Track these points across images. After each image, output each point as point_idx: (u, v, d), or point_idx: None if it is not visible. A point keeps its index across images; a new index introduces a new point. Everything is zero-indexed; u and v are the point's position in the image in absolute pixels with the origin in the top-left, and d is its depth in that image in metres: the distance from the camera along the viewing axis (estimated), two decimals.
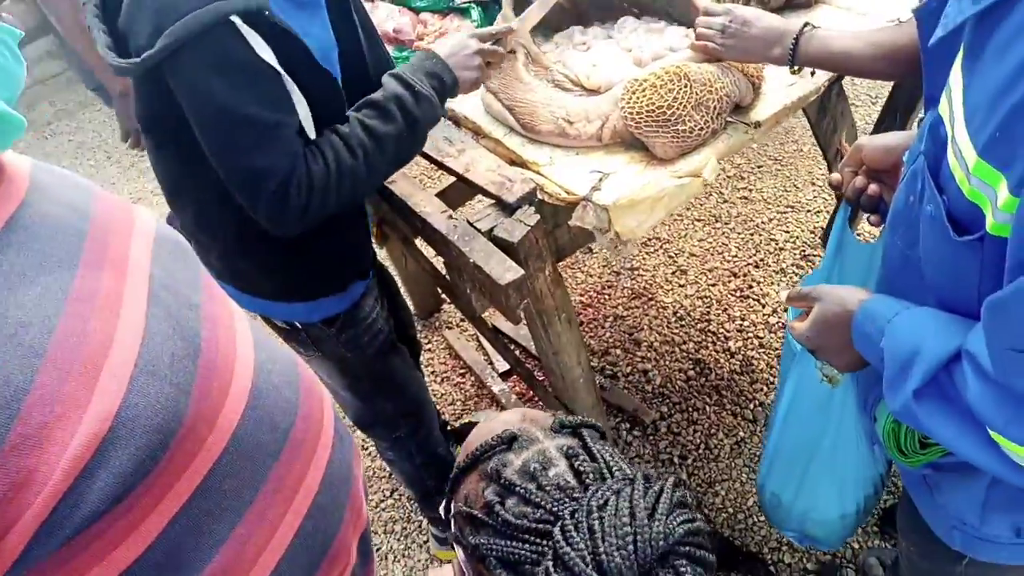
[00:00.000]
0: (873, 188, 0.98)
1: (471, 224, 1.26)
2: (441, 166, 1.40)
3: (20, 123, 0.56)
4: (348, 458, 0.82)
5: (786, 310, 2.18)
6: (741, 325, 2.21)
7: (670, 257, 2.46)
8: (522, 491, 0.61)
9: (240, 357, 0.69)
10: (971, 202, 0.64)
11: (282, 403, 0.72)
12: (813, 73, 1.38)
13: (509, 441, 0.66)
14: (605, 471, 0.62)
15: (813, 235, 2.41)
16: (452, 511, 0.69)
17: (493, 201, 1.30)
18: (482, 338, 2.30)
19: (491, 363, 2.25)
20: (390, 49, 1.61)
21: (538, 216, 1.25)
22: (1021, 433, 0.63)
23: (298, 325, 1.33)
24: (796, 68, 1.22)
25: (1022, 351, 0.60)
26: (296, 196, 1.03)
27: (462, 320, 2.41)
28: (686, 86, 1.25)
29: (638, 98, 1.25)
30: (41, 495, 0.51)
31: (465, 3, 1.65)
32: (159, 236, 0.70)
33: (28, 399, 0.52)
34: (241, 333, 0.72)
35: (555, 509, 0.59)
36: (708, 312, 2.28)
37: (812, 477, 1.29)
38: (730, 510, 1.84)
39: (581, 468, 0.62)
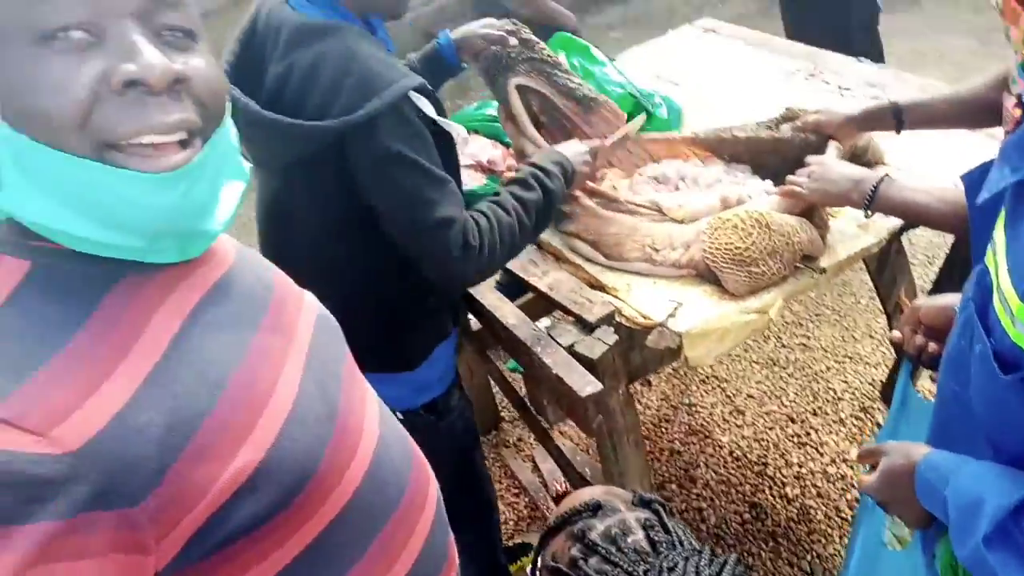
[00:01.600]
0: (933, 346, 1.05)
1: (553, 337, 1.35)
2: (527, 284, 1.51)
3: (230, 223, 0.67)
4: (445, 538, 0.87)
5: (851, 466, 2.16)
6: (799, 472, 2.19)
7: (728, 396, 2.49)
8: (603, 551, 0.69)
9: (366, 427, 0.77)
10: (1016, 344, 0.71)
11: (395, 474, 0.79)
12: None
13: (594, 508, 0.74)
14: (676, 541, 0.72)
15: (872, 387, 2.42)
16: (539, 565, 0.74)
17: (574, 320, 1.39)
18: (538, 459, 2.33)
19: (545, 485, 2.25)
20: (482, 177, 1.78)
21: (616, 336, 1.33)
22: None
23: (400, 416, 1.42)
24: (870, 213, 1.31)
25: None
26: (474, 242, 1.19)
27: (519, 440, 2.45)
28: (766, 233, 1.35)
29: (719, 235, 1.35)
30: (202, 503, 0.59)
31: None
32: (320, 315, 0.81)
33: (207, 421, 0.60)
34: (370, 407, 0.80)
35: (631, 570, 0.67)
36: (765, 456, 2.27)
37: None
38: None
39: (655, 537, 0.72)
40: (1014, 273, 0.71)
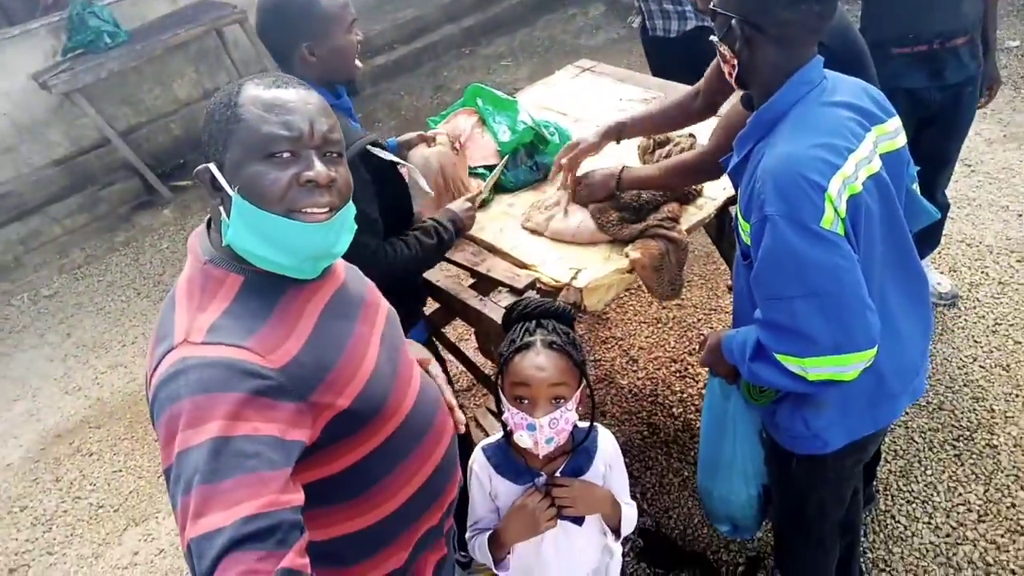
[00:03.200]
0: None
1: (495, 302, 1.95)
2: (471, 270, 2.11)
3: (341, 252, 1.21)
4: (455, 455, 1.43)
5: None
6: (681, 397, 2.88)
7: (623, 350, 3.17)
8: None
9: (412, 383, 1.33)
10: (744, 242, 1.40)
11: (428, 411, 1.35)
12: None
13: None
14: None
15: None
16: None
17: (508, 288, 2.00)
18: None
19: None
20: None
21: (537, 295, 1.95)
22: (783, 348, 1.34)
23: None
24: (620, 191, 2.04)
25: (774, 297, 1.33)
26: (382, 258, 1.79)
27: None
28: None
29: (642, 260, 1.99)
30: (329, 410, 1.13)
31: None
32: (389, 313, 1.37)
33: (334, 367, 1.15)
34: (415, 369, 1.38)
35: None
36: (655, 389, 2.95)
37: (724, 468, 1.91)
38: (681, 527, 2.42)
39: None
40: (740, 204, 1.42)
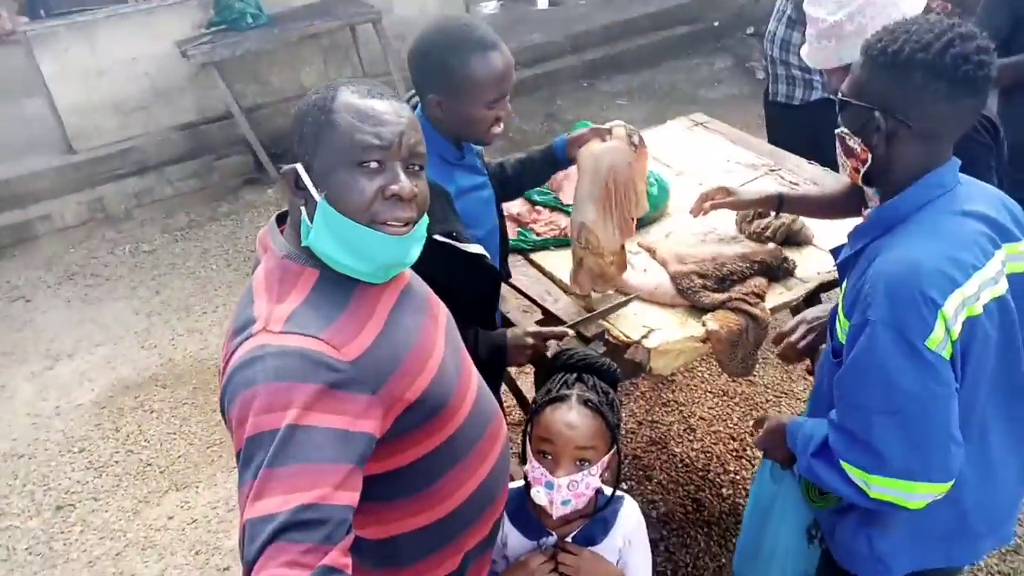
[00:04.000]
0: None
1: (558, 343, 1.90)
2: (541, 306, 2.06)
3: (413, 261, 1.21)
4: (509, 456, 1.43)
5: None
6: (734, 478, 2.74)
7: (683, 417, 3.04)
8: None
9: (472, 381, 1.34)
10: (840, 341, 1.31)
11: (486, 410, 1.36)
12: None
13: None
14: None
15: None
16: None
17: (576, 334, 1.94)
18: None
19: None
20: (514, 227, 2.34)
21: (604, 348, 1.88)
22: (850, 457, 1.23)
23: None
24: None
25: (854, 406, 1.23)
26: None
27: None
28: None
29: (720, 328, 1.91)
30: (399, 403, 1.14)
31: (567, 205, 2.39)
32: (448, 315, 1.38)
33: (404, 360, 1.16)
34: (474, 369, 1.39)
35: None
36: (708, 464, 2.82)
37: (763, 559, 1.78)
38: None
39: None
40: (844, 300, 1.32)
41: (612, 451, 1.42)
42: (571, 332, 1.84)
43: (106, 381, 3.68)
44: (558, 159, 1.99)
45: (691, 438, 2.95)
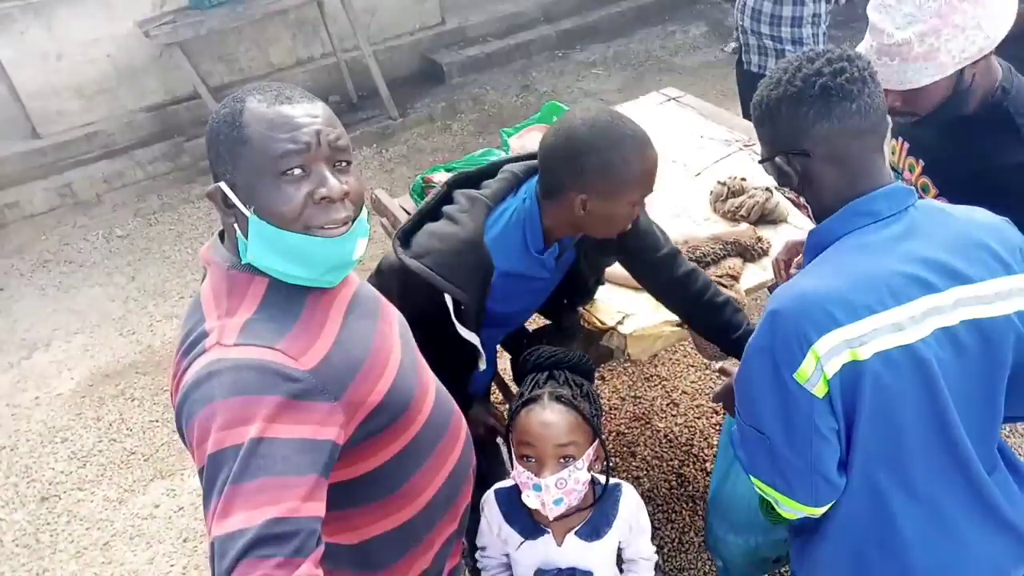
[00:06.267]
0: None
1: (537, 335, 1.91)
2: None
3: (360, 261, 1.19)
4: (471, 456, 1.43)
5: None
6: (717, 452, 2.78)
7: (666, 392, 3.08)
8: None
9: (430, 385, 1.34)
10: None
11: (445, 412, 1.36)
12: None
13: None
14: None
15: None
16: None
17: (553, 325, 1.95)
18: None
19: None
20: None
21: (582, 334, 1.89)
22: (738, 449, 1.25)
23: None
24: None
25: (739, 409, 1.24)
26: None
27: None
28: None
29: None
30: (361, 409, 1.14)
31: None
32: (400, 318, 1.36)
33: (363, 365, 1.15)
34: (430, 372, 1.37)
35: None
36: (692, 439, 2.86)
37: (723, 510, 1.83)
38: None
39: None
40: None
41: (595, 442, 1.42)
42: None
43: (85, 369, 3.65)
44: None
45: (674, 413, 2.98)
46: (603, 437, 1.43)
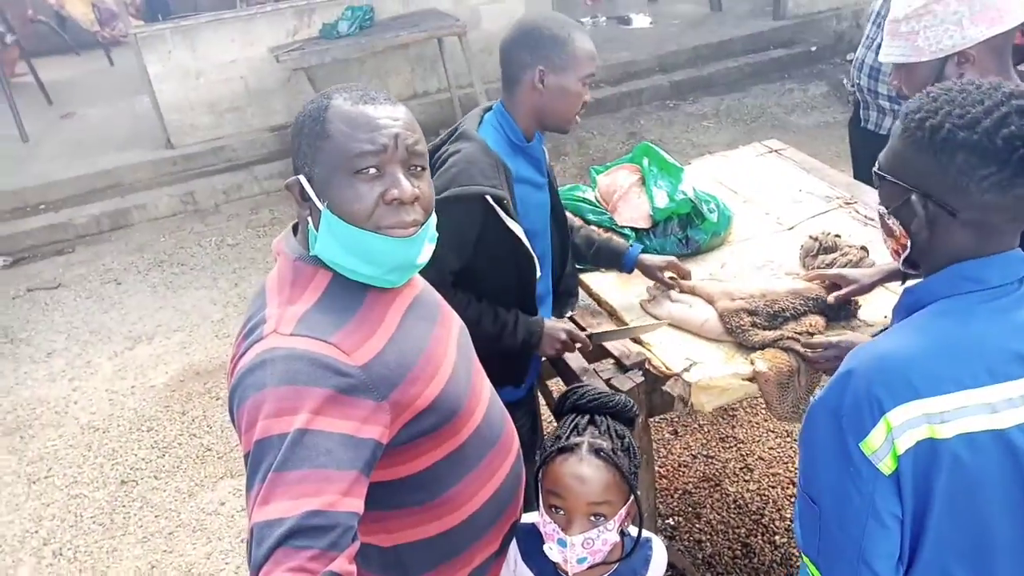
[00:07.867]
0: None
1: (596, 372, 1.84)
2: (579, 325, 2.01)
3: (424, 264, 1.20)
4: (521, 470, 1.40)
5: None
6: (789, 526, 2.59)
7: (741, 455, 2.91)
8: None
9: (483, 392, 1.32)
10: None
11: (497, 422, 1.33)
12: None
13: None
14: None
15: None
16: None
17: (614, 362, 1.88)
18: None
19: None
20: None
21: (643, 378, 1.81)
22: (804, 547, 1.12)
23: None
24: None
25: (800, 471, 1.11)
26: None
27: None
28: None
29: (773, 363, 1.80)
30: (408, 410, 1.13)
31: (622, 227, 2.32)
32: (461, 324, 1.36)
33: (414, 366, 1.15)
34: (485, 380, 1.36)
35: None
36: (764, 508, 2.68)
37: None
38: None
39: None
40: None
41: (630, 500, 1.32)
42: (590, 345, 1.90)
43: (179, 365, 3.85)
44: (623, 267, 2.11)
45: (747, 478, 2.81)
46: (638, 496, 1.33)
